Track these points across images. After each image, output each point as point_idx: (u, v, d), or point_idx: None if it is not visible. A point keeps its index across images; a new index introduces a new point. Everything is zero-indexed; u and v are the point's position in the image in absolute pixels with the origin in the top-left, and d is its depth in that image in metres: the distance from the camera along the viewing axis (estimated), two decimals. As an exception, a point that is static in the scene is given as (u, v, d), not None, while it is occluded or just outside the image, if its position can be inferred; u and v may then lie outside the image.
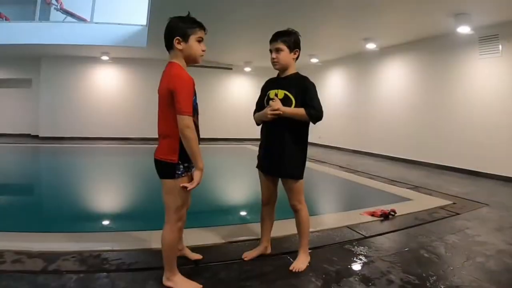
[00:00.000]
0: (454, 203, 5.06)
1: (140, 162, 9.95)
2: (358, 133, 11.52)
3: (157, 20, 8.65)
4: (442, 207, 4.84)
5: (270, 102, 2.76)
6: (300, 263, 2.86)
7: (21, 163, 9.29)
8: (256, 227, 3.32)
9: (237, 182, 7.76)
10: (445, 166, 8.29)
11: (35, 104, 12.99)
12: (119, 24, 10.97)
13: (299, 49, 2.82)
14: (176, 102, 2.24)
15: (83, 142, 12.32)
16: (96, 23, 11.20)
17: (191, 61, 2.44)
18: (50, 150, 11.13)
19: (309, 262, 2.91)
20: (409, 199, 5.33)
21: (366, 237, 3.63)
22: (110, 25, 11.01)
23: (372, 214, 4.35)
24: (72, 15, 11.92)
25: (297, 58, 2.85)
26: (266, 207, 3.02)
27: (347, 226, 3.93)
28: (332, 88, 12.86)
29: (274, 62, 2.81)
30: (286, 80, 2.82)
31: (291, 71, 2.84)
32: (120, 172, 8.50)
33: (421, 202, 5.12)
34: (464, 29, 7.24)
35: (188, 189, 2.33)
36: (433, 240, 3.56)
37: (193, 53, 2.39)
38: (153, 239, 3.21)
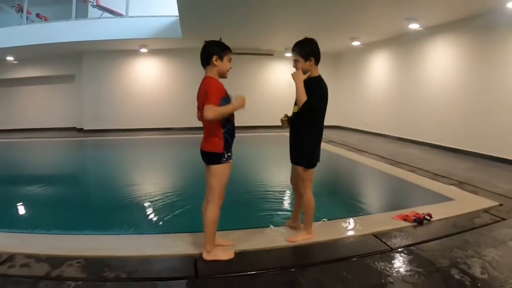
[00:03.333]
0: (500, 205, 4.51)
1: (182, 154, 9.95)
2: (404, 120, 10.77)
3: (187, 10, 8.57)
4: (486, 210, 4.32)
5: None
6: (296, 237, 3.46)
7: (66, 157, 9.69)
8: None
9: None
10: (495, 157, 7.50)
11: (79, 98, 13.49)
12: (154, 16, 11.01)
13: (314, 56, 3.29)
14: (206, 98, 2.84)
15: (126, 134, 12.60)
16: (131, 17, 11.30)
17: (222, 75, 3.05)
18: (93, 143, 11.48)
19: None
20: (450, 199, 4.83)
21: (391, 249, 3.27)
22: (146, 18, 11.09)
23: (405, 219, 3.97)
24: (108, 10, 12.11)
25: (317, 62, 3.33)
26: (296, 191, 3.66)
27: (373, 234, 3.61)
28: (375, 72, 12.20)
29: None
30: (308, 82, 3.32)
31: (312, 74, 3.36)
32: (155, 168, 8.52)
33: (463, 203, 4.62)
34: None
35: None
36: (469, 256, 3.11)
37: (225, 69, 3.03)
38: (163, 243, 3.21)
